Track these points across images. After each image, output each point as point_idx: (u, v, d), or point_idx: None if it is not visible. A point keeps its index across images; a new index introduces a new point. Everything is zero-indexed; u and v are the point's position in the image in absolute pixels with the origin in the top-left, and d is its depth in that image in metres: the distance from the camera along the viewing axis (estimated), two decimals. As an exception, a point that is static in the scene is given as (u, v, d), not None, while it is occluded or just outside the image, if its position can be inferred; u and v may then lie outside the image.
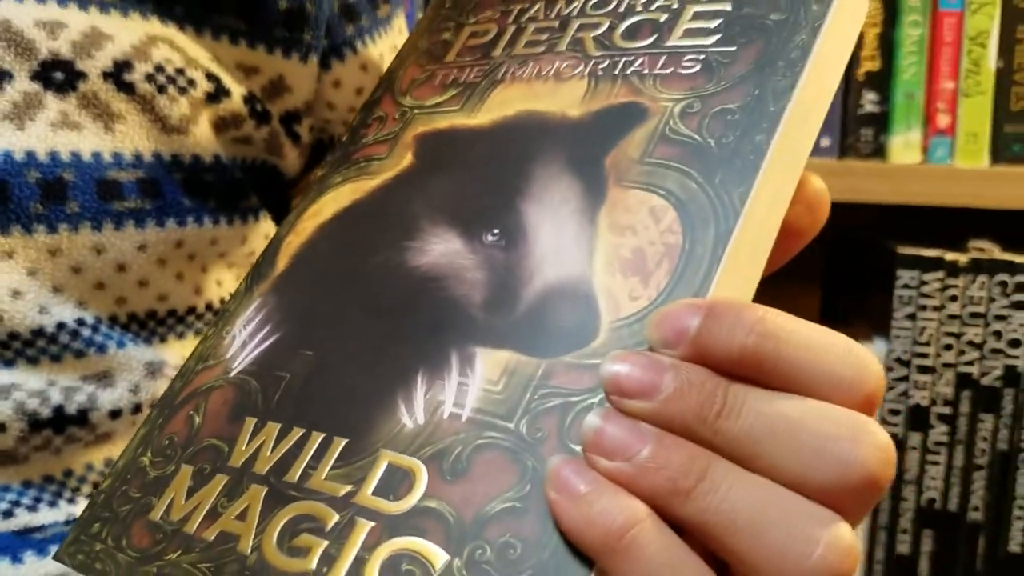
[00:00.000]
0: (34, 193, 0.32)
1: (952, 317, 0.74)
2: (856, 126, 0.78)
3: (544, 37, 0.31)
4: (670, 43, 0.29)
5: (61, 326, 0.33)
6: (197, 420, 0.27)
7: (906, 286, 0.74)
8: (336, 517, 0.23)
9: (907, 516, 0.77)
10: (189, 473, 0.26)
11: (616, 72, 0.29)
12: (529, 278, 0.25)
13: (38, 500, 0.33)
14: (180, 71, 0.35)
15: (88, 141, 0.33)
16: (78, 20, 0.33)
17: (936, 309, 0.74)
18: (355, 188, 0.30)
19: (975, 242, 0.77)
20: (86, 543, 0.26)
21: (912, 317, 0.74)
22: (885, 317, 0.75)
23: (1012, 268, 0.73)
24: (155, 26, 0.35)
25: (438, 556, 0.22)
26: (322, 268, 0.29)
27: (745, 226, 0.24)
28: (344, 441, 0.24)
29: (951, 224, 0.81)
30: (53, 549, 0.32)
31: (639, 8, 0.30)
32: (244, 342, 0.28)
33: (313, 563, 0.22)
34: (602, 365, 0.22)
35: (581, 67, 0.29)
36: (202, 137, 0.35)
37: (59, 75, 0.32)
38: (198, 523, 0.25)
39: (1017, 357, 0.73)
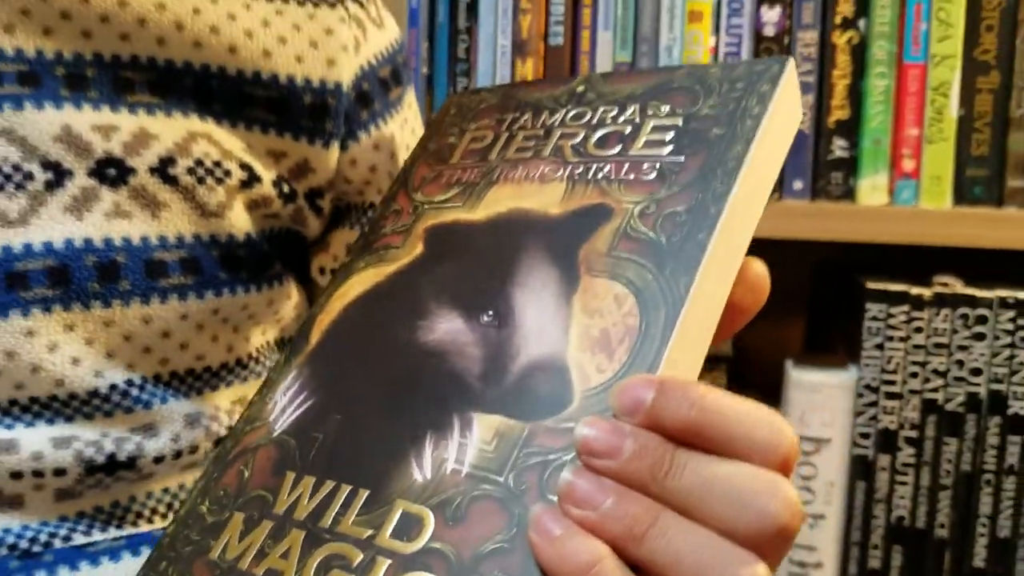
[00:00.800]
0: (91, 274, 0.36)
1: (918, 347, 0.77)
2: (827, 170, 0.80)
3: (531, 144, 0.35)
4: (632, 152, 0.33)
5: (113, 387, 0.37)
6: (247, 474, 0.31)
7: (874, 318, 0.77)
8: (361, 556, 0.27)
9: (878, 533, 0.80)
10: (241, 519, 0.30)
11: (589, 177, 0.33)
12: (516, 353, 0.29)
13: (90, 527, 0.38)
14: (217, 163, 0.39)
15: (137, 228, 0.37)
16: (128, 123, 0.37)
17: (903, 340, 0.77)
18: (376, 273, 0.34)
19: (939, 277, 0.79)
20: None
21: (880, 347, 0.77)
22: (856, 346, 0.79)
23: (973, 302, 0.76)
24: (195, 123, 0.39)
25: None
26: (348, 343, 0.33)
27: (689, 310, 0.28)
28: (367, 492, 0.28)
29: (917, 260, 0.83)
30: (103, 560, 0.37)
31: (608, 121, 0.34)
32: (284, 407, 0.32)
33: None
34: (575, 429, 0.26)
35: (561, 171, 0.33)
36: (236, 219, 0.39)
37: (112, 171, 0.37)
38: (249, 561, 0.29)
39: (979, 384, 0.76)
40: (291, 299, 0.45)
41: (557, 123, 0.36)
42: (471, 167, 0.36)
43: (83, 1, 0.37)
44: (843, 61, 0.79)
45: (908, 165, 0.80)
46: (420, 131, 0.50)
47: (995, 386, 0.76)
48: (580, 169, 0.33)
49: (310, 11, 0.42)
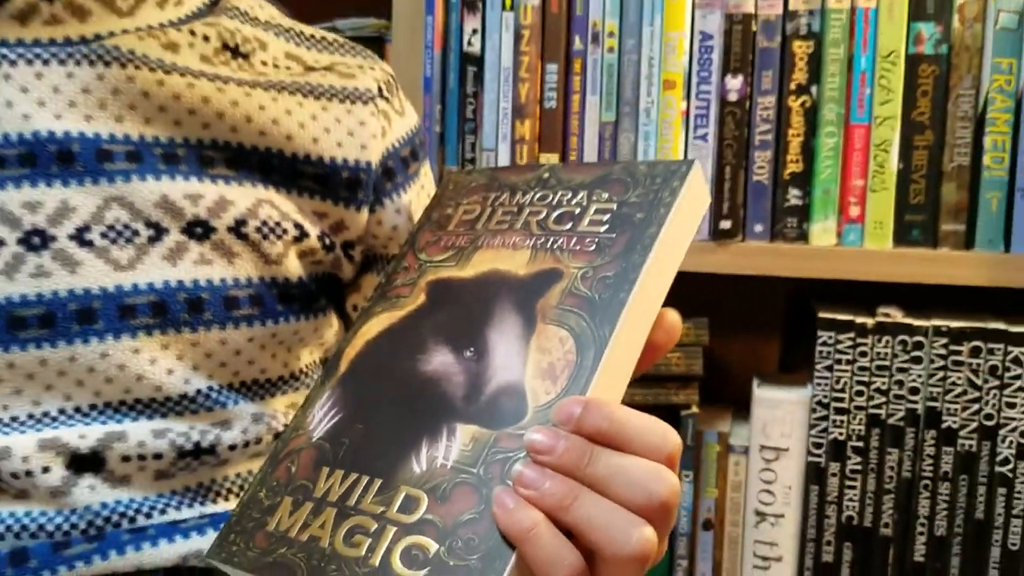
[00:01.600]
0: (183, 307, 0.46)
1: (863, 369, 0.84)
2: (783, 215, 0.87)
3: (508, 218, 0.44)
4: (579, 229, 0.41)
5: (198, 391, 0.47)
6: (293, 469, 0.41)
7: (825, 343, 0.85)
8: (375, 525, 0.36)
9: (830, 531, 0.87)
10: (289, 502, 0.39)
11: (548, 246, 0.41)
12: (489, 380, 0.39)
13: (180, 503, 0.47)
14: (277, 223, 0.49)
15: (217, 272, 0.47)
16: (211, 191, 0.47)
17: (850, 362, 0.84)
18: (389, 316, 0.44)
19: (882, 309, 0.86)
20: (226, 547, 0.40)
21: (830, 368, 0.85)
22: (810, 368, 0.87)
23: (911, 330, 0.83)
24: (260, 191, 0.49)
25: (432, 546, 0.35)
26: (368, 371, 0.43)
27: (611, 349, 0.37)
28: (380, 481, 0.38)
29: (862, 294, 0.90)
30: (192, 535, 0.47)
31: (564, 203, 0.43)
32: (320, 419, 0.42)
33: (363, 551, 0.36)
34: (526, 435, 0.36)
35: (528, 241, 0.42)
36: (291, 265, 0.49)
37: (199, 230, 0.47)
38: (296, 531, 0.38)
39: (916, 402, 0.84)
40: (332, 327, 0.54)
41: (527, 202, 0.44)
42: (463, 234, 0.45)
43: (175, 98, 0.47)
44: (797, 122, 0.85)
45: (854, 211, 0.86)
46: (433, 192, 0.59)
47: (931, 403, 0.83)
48: (541, 240, 0.42)
49: (348, 107, 0.52)
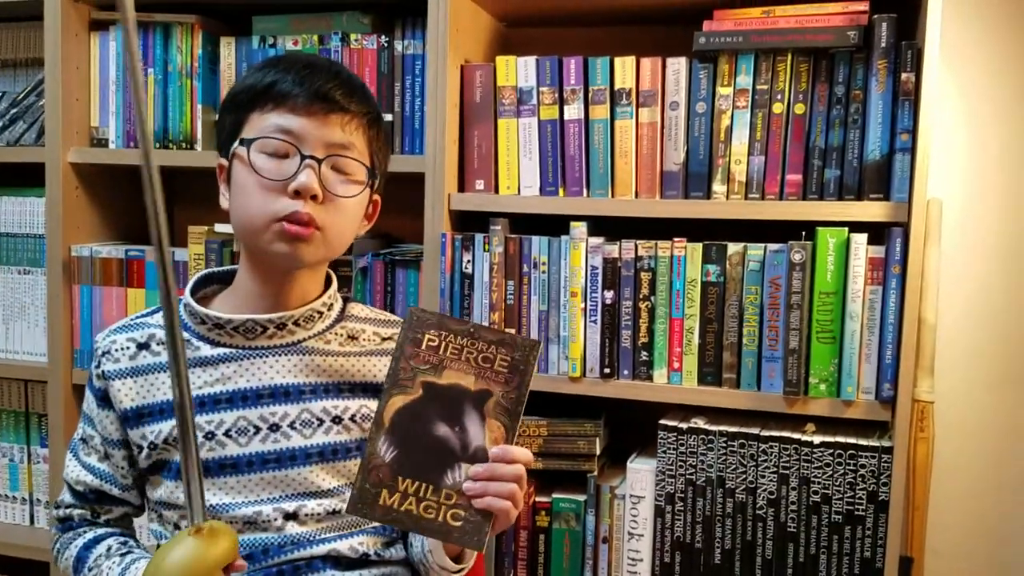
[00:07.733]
0: (331, 453, 1.09)
1: (682, 452, 1.42)
2: (639, 366, 1.42)
3: (456, 352, 0.97)
4: (495, 368, 0.96)
5: (335, 487, 1.08)
6: (380, 476, 0.97)
7: (663, 438, 1.43)
8: (435, 504, 0.96)
9: (667, 544, 1.43)
10: (386, 492, 0.99)
11: (483, 376, 0.96)
12: (471, 443, 0.97)
13: (328, 531, 1.13)
14: (368, 414, 1.12)
15: (344, 437, 1.09)
16: (342, 404, 1.10)
17: (675, 449, 1.43)
18: (404, 398, 0.95)
19: (692, 419, 1.43)
20: (360, 508, 0.97)
21: (666, 452, 1.43)
22: (655, 451, 1.48)
23: (707, 432, 1.40)
24: (362, 400, 1.08)
25: (461, 513, 1.03)
26: (403, 428, 0.95)
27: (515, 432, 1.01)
28: (432, 486, 0.96)
29: (683, 410, 1.47)
30: (331, 542, 1.12)
31: (484, 351, 0.99)
32: (384, 451, 0.97)
33: (432, 516, 1.04)
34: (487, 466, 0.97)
35: (471, 370, 0.96)
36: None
37: (338, 420, 1.10)
38: (397, 505, 0.97)
39: (711, 472, 1.41)
40: None
41: (465, 344, 0.96)
42: (431, 355, 0.95)
43: (329, 366, 1.09)
44: (644, 316, 1.41)
45: (676, 365, 1.41)
46: None
47: (719, 474, 1.40)
48: (477, 371, 0.95)
49: None
